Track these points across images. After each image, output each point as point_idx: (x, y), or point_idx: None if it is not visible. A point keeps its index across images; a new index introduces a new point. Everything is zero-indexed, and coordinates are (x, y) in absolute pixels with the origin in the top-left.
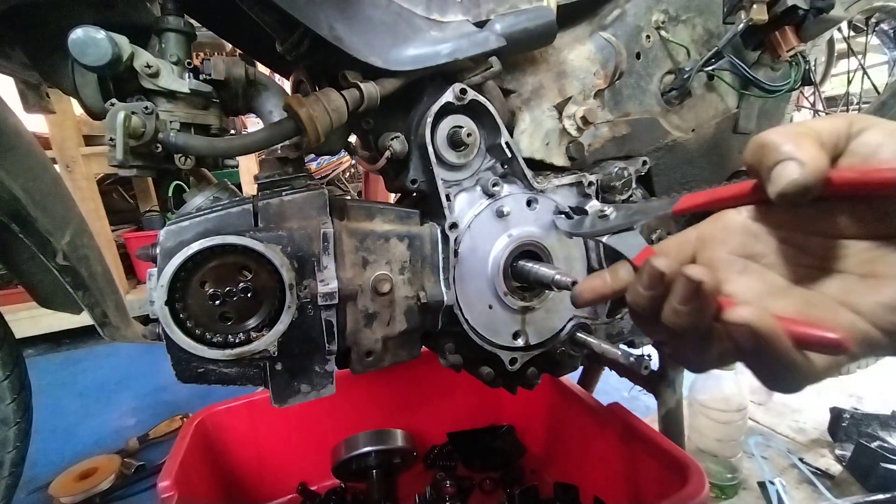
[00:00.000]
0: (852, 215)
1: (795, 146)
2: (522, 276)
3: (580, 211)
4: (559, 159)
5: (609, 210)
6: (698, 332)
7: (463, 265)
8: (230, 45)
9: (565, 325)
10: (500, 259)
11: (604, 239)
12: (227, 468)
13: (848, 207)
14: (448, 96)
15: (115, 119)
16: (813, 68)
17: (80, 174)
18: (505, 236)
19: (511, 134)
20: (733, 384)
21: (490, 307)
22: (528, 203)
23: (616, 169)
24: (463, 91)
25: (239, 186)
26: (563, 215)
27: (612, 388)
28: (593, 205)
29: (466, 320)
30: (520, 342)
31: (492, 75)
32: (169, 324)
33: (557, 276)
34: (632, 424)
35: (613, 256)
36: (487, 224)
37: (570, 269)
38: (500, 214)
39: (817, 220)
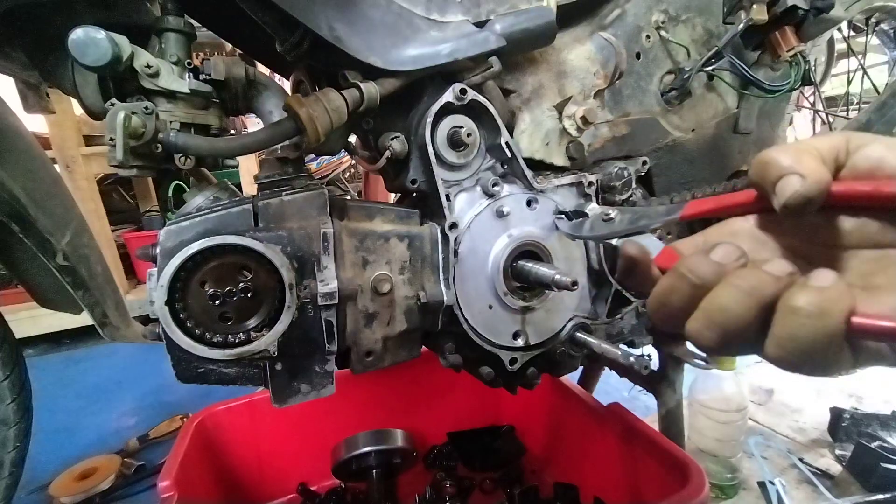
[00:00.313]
0: (856, 225)
1: (796, 161)
2: (522, 276)
3: (580, 213)
4: (559, 159)
5: (613, 213)
6: (767, 300)
7: (463, 265)
8: (230, 45)
9: (565, 325)
10: (500, 259)
11: (615, 241)
12: (227, 468)
13: (852, 217)
14: (448, 96)
15: (115, 119)
16: (813, 68)
17: (80, 174)
18: (505, 236)
19: (511, 134)
20: (733, 384)
21: (490, 307)
22: (528, 203)
23: (616, 169)
24: (463, 91)
25: (239, 186)
26: (563, 216)
27: (612, 388)
28: (594, 207)
29: (466, 320)
30: (520, 342)
31: (492, 75)
32: (169, 324)
33: (557, 276)
34: (632, 424)
35: (613, 257)
36: (487, 224)
37: (570, 269)
38: (500, 214)
39: (821, 230)
